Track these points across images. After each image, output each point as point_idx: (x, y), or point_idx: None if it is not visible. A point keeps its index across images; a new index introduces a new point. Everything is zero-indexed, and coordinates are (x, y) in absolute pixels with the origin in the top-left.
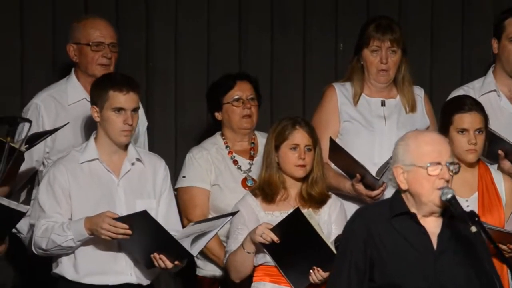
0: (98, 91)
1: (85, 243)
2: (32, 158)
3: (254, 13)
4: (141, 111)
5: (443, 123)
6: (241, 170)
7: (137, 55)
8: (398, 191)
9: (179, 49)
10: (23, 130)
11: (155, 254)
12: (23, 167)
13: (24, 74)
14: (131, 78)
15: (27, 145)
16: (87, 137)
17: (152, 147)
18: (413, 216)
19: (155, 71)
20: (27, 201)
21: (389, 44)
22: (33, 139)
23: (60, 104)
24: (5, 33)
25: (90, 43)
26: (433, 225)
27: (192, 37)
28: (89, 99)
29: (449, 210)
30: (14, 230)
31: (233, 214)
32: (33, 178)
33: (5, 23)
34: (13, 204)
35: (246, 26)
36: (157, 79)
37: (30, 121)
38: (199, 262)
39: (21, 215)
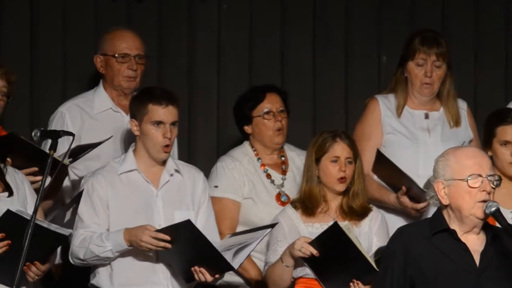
0: (138, 104)
1: (122, 254)
2: None
3: (296, 27)
4: None
5: (486, 136)
6: (274, 185)
7: (179, 70)
8: (439, 209)
9: (222, 64)
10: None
11: (196, 267)
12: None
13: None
14: (170, 92)
15: (70, 159)
16: (111, 147)
17: (194, 161)
18: (453, 233)
19: (198, 86)
20: (72, 221)
21: (435, 58)
22: (77, 153)
23: (86, 113)
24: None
25: (116, 55)
26: (474, 243)
27: (235, 52)
28: (115, 109)
29: (491, 227)
30: None
31: (272, 226)
32: (79, 197)
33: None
34: (53, 227)
35: (288, 40)
36: (199, 94)
37: (73, 134)
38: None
39: (63, 238)
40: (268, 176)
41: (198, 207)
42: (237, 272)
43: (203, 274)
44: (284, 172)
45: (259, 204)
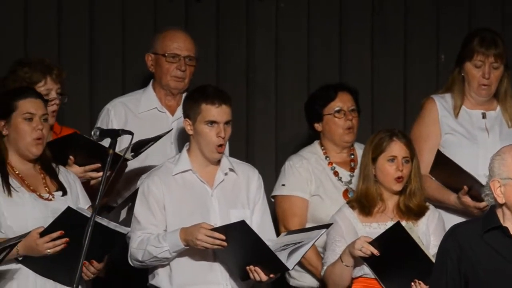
0: (191, 104)
1: (180, 254)
2: None
3: (355, 26)
4: None
5: None
6: (342, 182)
7: (238, 68)
8: (492, 207)
9: (280, 62)
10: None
11: (251, 266)
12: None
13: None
14: (223, 91)
15: (132, 153)
16: (157, 146)
17: (252, 160)
18: (506, 230)
19: (256, 83)
20: (128, 219)
21: (493, 60)
22: (137, 147)
23: (131, 111)
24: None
25: (166, 54)
26: None
27: (293, 50)
28: (160, 109)
29: None
30: None
31: (327, 226)
32: (134, 196)
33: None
34: (112, 225)
35: (346, 38)
36: (257, 91)
37: (132, 133)
38: (294, 272)
39: (121, 236)
40: (336, 173)
41: (253, 205)
42: (306, 269)
43: (258, 274)
44: (352, 170)
45: (327, 201)
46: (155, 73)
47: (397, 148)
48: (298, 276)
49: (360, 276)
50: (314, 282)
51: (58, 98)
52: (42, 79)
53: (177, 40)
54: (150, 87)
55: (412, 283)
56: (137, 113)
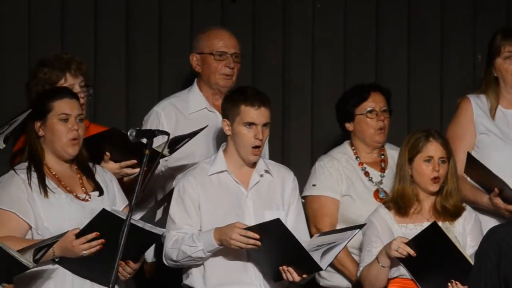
0: (230, 105)
1: (214, 254)
2: None
3: (391, 25)
4: None
5: None
6: (372, 182)
7: (274, 70)
8: None
9: (316, 62)
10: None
11: (284, 266)
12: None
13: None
14: (262, 93)
15: (169, 150)
16: (204, 146)
17: (287, 161)
18: None
19: (292, 84)
20: (163, 220)
21: None
22: (174, 144)
23: (181, 112)
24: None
25: (213, 53)
26: None
27: (329, 50)
28: (210, 109)
29: None
30: None
31: (361, 226)
32: (170, 196)
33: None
34: (148, 226)
35: (382, 38)
36: (293, 92)
37: (168, 134)
38: (324, 272)
39: (156, 237)
40: (366, 173)
41: (288, 207)
42: (337, 270)
43: (290, 274)
44: (383, 170)
45: (357, 201)
46: (201, 72)
47: (433, 149)
48: (328, 276)
49: (396, 277)
50: (344, 282)
51: (83, 91)
52: (61, 77)
53: (223, 38)
54: (195, 87)
55: (449, 284)
56: (187, 114)
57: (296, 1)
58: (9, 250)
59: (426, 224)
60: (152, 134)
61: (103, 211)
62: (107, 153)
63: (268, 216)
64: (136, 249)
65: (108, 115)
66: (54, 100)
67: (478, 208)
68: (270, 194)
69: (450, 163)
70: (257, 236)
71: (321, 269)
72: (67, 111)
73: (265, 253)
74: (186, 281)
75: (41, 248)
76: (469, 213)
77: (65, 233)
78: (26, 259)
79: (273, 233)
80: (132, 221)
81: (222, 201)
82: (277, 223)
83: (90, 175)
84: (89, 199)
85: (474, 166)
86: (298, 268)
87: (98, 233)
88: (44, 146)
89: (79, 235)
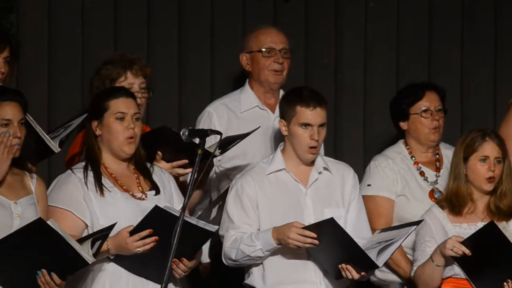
0: (286, 105)
1: (274, 253)
2: None
3: (444, 24)
4: None
5: None
6: (428, 182)
7: (326, 69)
8: None
9: (368, 62)
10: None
11: (342, 264)
12: None
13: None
14: (318, 93)
15: (220, 150)
16: (256, 145)
17: (340, 160)
18: None
19: (344, 84)
20: (218, 218)
21: None
22: (225, 144)
23: (233, 112)
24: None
25: (262, 50)
26: None
27: (381, 49)
28: (261, 107)
29: None
30: None
31: (417, 223)
32: (225, 195)
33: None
34: (201, 223)
35: (435, 38)
36: (346, 93)
37: (220, 133)
38: (377, 272)
39: (210, 234)
40: (422, 173)
41: (348, 204)
42: (390, 269)
43: (349, 272)
44: (438, 169)
45: (413, 201)
46: (252, 71)
47: (489, 148)
48: (382, 276)
49: (450, 276)
50: (396, 278)
51: (141, 93)
52: (122, 74)
53: (270, 34)
54: (247, 86)
55: (505, 283)
56: (239, 113)
57: (349, 0)
58: (71, 241)
59: (480, 224)
60: (204, 133)
61: (156, 207)
62: (159, 153)
63: (328, 214)
64: (190, 247)
65: (160, 116)
66: (110, 99)
67: None
68: (329, 192)
69: (505, 163)
70: (314, 235)
71: (378, 267)
72: (123, 110)
73: (324, 252)
74: (247, 280)
75: (97, 239)
76: None
77: (114, 224)
78: (88, 254)
79: (328, 232)
80: (185, 218)
81: (281, 200)
82: (331, 222)
83: (147, 175)
84: (145, 198)
85: None
86: (356, 266)
87: (152, 230)
88: (101, 145)
89: (133, 232)
